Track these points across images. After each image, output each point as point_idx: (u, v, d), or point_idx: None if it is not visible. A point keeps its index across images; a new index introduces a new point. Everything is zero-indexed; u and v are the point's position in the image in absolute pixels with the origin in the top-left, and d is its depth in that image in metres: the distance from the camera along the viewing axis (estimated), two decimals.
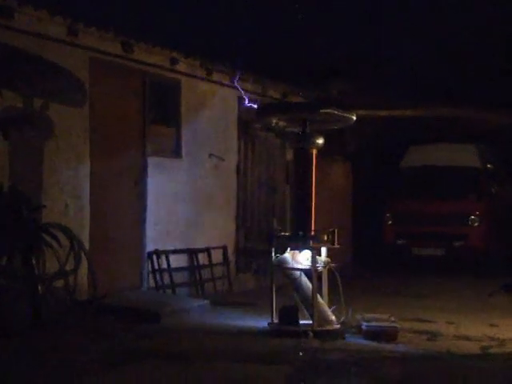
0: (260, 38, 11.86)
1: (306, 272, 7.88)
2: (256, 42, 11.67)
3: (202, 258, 10.88)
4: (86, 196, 8.92)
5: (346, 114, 8.16)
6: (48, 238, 7.80)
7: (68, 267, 8.15)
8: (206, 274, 10.88)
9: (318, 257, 7.85)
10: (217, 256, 11.22)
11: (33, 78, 8.24)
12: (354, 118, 8.23)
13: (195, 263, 10.72)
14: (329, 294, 8.10)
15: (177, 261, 10.33)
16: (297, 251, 7.95)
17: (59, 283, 8.05)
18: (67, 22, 8.62)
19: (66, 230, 8.25)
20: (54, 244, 7.80)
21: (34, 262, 7.61)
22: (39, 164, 8.33)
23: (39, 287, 7.64)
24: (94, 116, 9.00)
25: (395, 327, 7.75)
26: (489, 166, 14.92)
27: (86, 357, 6.47)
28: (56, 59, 8.51)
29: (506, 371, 6.46)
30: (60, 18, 8.51)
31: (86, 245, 8.67)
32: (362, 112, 8.37)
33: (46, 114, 8.38)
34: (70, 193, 8.70)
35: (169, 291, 10.04)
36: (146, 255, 9.84)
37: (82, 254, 8.32)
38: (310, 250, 7.82)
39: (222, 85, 11.46)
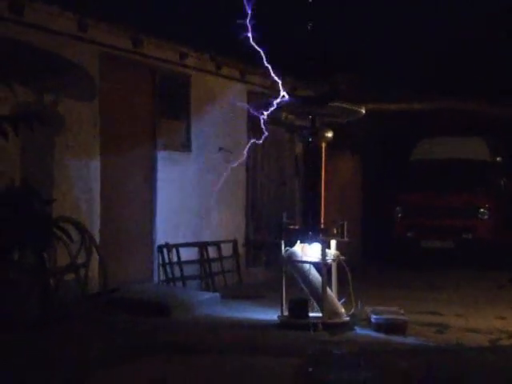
0: (269, 32, 11.85)
1: (316, 265, 7.91)
2: (265, 36, 11.67)
3: (212, 252, 10.94)
4: (96, 190, 8.97)
5: (354, 108, 8.18)
6: (59, 232, 7.86)
7: (79, 261, 8.22)
8: (216, 267, 10.94)
9: (327, 250, 7.89)
10: (227, 249, 11.28)
11: (43, 73, 8.28)
12: (363, 111, 8.25)
13: (205, 256, 10.77)
14: (338, 287, 8.13)
15: (187, 254, 10.38)
16: (306, 244, 7.99)
17: (70, 276, 8.12)
18: (77, 17, 8.65)
19: (77, 224, 8.32)
20: (65, 238, 7.85)
21: (45, 255, 7.66)
22: (50, 159, 8.39)
23: (51, 280, 7.70)
24: (104, 111, 9.05)
25: (404, 320, 7.78)
26: (498, 158, 14.91)
27: (97, 350, 6.52)
28: (66, 54, 8.55)
29: None
30: (70, 13, 8.55)
31: (97, 238, 8.73)
32: (370, 105, 8.38)
33: (57, 109, 8.43)
34: (80, 187, 8.75)
35: (179, 284, 10.10)
36: (156, 248, 9.90)
37: (93, 248, 8.39)
38: (320, 243, 7.86)
39: (232, 79, 11.49)
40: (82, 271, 8.25)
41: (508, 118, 14.46)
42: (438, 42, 13.70)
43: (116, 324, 7.70)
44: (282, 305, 7.99)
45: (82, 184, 8.79)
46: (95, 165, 8.96)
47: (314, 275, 7.93)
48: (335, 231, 7.97)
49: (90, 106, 8.89)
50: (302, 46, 12.03)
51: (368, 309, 8.07)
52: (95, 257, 8.45)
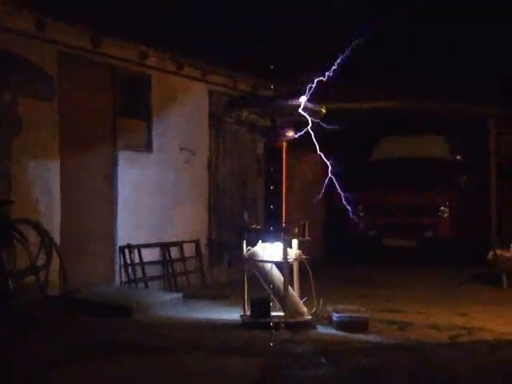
0: (231, 31, 11.84)
1: (278, 264, 7.92)
2: (227, 35, 11.65)
3: (175, 252, 10.90)
4: (56, 191, 8.88)
5: (314, 107, 8.20)
6: (17, 234, 7.78)
7: (39, 263, 8.13)
8: (178, 267, 10.90)
9: (289, 249, 7.90)
10: (189, 249, 11.25)
11: (1, 72, 8.18)
12: (324, 111, 8.28)
13: (167, 257, 10.73)
14: (300, 286, 8.15)
15: (149, 255, 10.34)
16: (268, 244, 7.99)
17: (30, 279, 8.02)
18: (35, 17, 8.56)
19: (37, 226, 8.23)
20: (23, 239, 7.78)
21: (3, 257, 7.57)
22: (8, 159, 8.28)
23: (10, 283, 7.60)
24: (63, 111, 8.96)
25: (366, 318, 7.83)
26: (458, 157, 15.10)
27: (57, 351, 6.46)
28: (24, 54, 8.46)
29: (474, 359, 6.56)
30: (27, 12, 8.45)
31: (57, 240, 8.65)
32: (331, 105, 8.41)
33: (15, 108, 8.33)
34: (39, 188, 8.66)
35: (141, 285, 10.05)
36: (117, 249, 9.84)
37: (53, 250, 8.30)
38: (282, 242, 7.87)
39: (193, 79, 11.47)
40: (42, 273, 8.16)
41: (467, 116, 14.63)
42: (401, 41, 13.77)
43: (76, 326, 7.64)
44: (244, 304, 8.00)
45: (42, 185, 8.70)
46: (55, 165, 8.88)
47: (276, 274, 7.94)
48: (297, 230, 7.98)
49: (49, 106, 8.80)
50: (264, 44, 12.01)
51: (330, 307, 8.10)
52: (55, 258, 8.36)
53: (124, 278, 9.88)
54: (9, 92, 8.28)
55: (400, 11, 11.10)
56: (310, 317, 7.88)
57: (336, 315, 7.81)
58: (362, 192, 14.80)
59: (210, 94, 11.83)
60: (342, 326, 7.69)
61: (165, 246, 10.71)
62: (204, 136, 11.75)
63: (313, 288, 7.92)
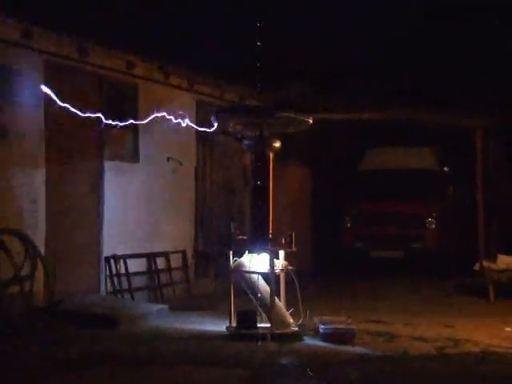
0: (218, 40, 11.85)
1: (264, 275, 7.89)
2: (213, 45, 11.66)
3: (161, 263, 10.84)
4: (41, 201, 8.81)
5: (302, 118, 8.19)
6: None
7: (24, 273, 8.07)
8: (164, 278, 10.84)
9: (275, 260, 7.87)
10: (176, 260, 11.20)
11: None
12: (311, 121, 8.27)
13: (154, 268, 10.67)
14: (287, 297, 8.12)
15: (135, 265, 10.27)
16: (255, 255, 7.96)
17: (15, 289, 7.96)
18: (22, 25, 8.52)
19: (22, 236, 8.17)
20: (8, 249, 7.73)
21: None
22: None
23: None
24: (49, 120, 8.90)
25: (352, 329, 7.81)
26: (445, 168, 15.13)
27: (42, 363, 6.41)
28: (10, 62, 8.41)
29: (459, 371, 6.55)
30: (14, 20, 8.41)
31: (42, 250, 8.58)
32: (318, 115, 8.40)
33: (0, 117, 8.27)
34: (25, 198, 8.59)
35: (127, 296, 9.98)
36: (103, 260, 9.77)
37: (38, 260, 8.24)
38: (268, 253, 7.84)
39: (180, 88, 11.45)
40: (27, 283, 8.10)
41: (455, 128, 14.67)
42: (387, 52, 13.83)
43: (62, 337, 7.58)
44: (230, 316, 7.95)
45: (27, 195, 8.63)
46: (40, 175, 8.81)
47: (263, 286, 7.91)
48: (283, 241, 7.96)
49: (35, 116, 8.74)
50: (251, 54, 12.03)
51: (316, 319, 8.07)
52: (40, 269, 8.30)
53: (110, 289, 9.81)
54: None
55: (391, 23, 11.17)
56: (296, 328, 7.85)
57: (322, 327, 7.78)
58: (349, 203, 14.84)
59: (198, 103, 11.81)
60: (328, 337, 7.66)
61: (151, 257, 10.66)
62: (191, 146, 11.72)
63: (299, 299, 7.89)
